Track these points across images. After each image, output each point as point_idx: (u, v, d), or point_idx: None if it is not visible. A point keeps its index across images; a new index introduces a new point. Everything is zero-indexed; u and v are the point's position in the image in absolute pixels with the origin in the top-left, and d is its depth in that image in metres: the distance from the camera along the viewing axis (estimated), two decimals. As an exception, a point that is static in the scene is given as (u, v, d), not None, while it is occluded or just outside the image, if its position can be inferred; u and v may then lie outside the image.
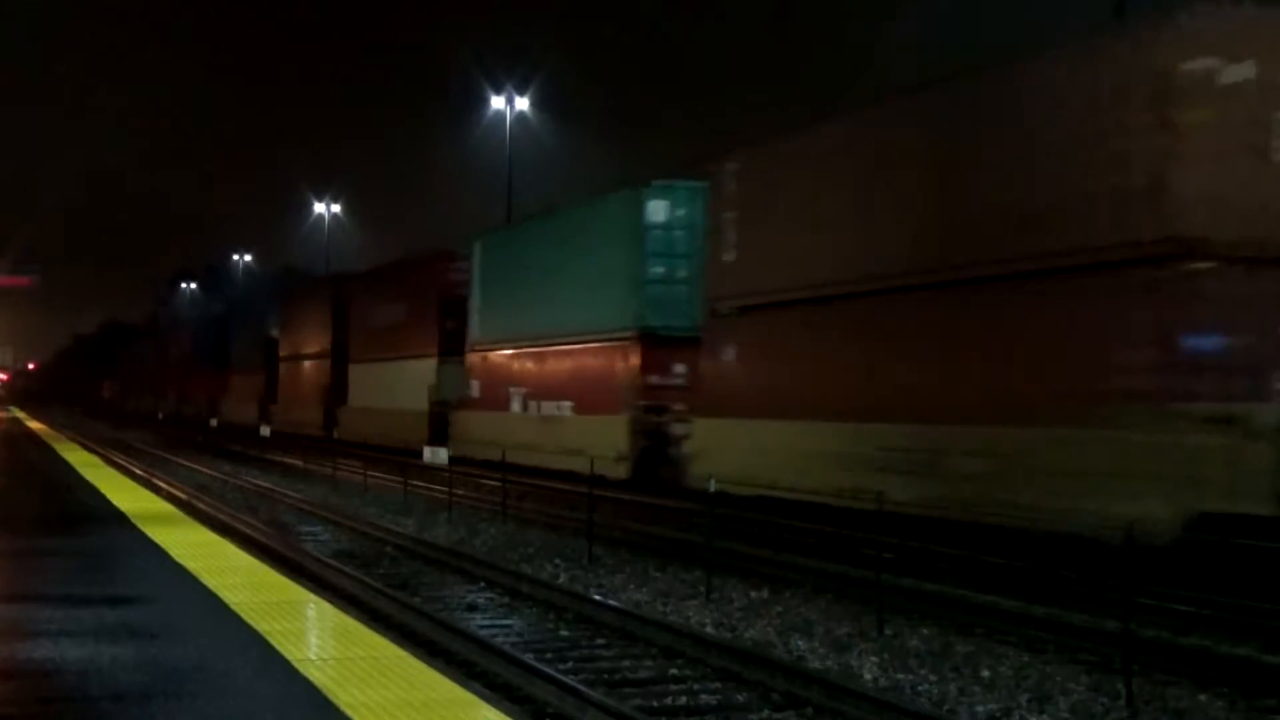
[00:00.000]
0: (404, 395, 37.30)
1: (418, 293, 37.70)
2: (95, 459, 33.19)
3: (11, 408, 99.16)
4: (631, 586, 14.50)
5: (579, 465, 23.23)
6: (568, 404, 26.84)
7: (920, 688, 9.76)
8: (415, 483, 26.56)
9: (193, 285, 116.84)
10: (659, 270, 24.45)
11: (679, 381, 23.61)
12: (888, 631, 11.80)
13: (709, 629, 11.91)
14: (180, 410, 78.17)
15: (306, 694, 7.05)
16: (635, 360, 24.29)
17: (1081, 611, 12.30)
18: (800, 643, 11.37)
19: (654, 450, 23.53)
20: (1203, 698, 9.50)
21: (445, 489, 23.40)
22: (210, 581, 11.01)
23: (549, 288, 28.51)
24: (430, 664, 8.02)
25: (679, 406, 23.05)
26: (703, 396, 21.30)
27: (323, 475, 31.38)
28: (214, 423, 65.68)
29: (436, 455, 31.34)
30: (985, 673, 10.22)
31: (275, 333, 56.51)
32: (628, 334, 24.51)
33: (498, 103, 49.99)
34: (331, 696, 6.95)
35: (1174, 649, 10.74)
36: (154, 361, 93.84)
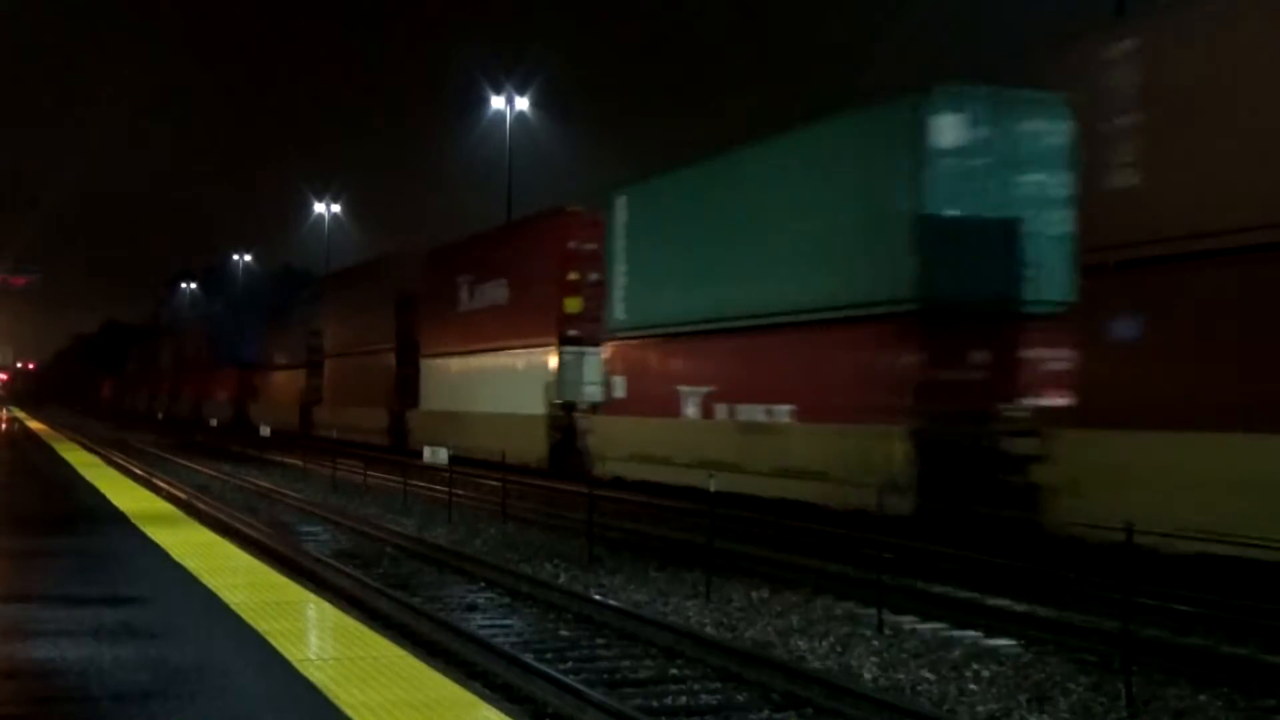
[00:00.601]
0: (506, 396, 30.18)
1: (524, 267, 30.36)
2: (95, 459, 33.19)
3: (11, 408, 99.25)
4: (631, 586, 14.50)
5: (810, 493, 17.55)
6: (785, 408, 19.22)
7: (920, 688, 9.76)
8: (415, 483, 26.55)
9: (193, 285, 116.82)
10: (951, 215, 16.92)
11: (979, 375, 16.89)
12: (887, 631, 11.81)
13: (709, 629, 11.91)
14: (199, 414, 71.64)
15: (306, 694, 7.06)
16: (916, 346, 16.96)
17: (1081, 611, 12.30)
18: (800, 643, 11.37)
19: (961, 476, 16.14)
20: (1203, 698, 9.50)
21: (445, 489, 23.40)
22: (210, 581, 11.02)
23: (745, 249, 20.76)
24: (430, 664, 8.03)
25: (1017, 412, 16.35)
26: (1075, 396, 14.17)
27: (323, 475, 31.37)
28: (214, 422, 65.46)
29: (436, 455, 27.83)
30: (985, 673, 10.22)
31: (319, 324, 49.25)
32: (900, 308, 17.06)
33: (498, 103, 50.04)
34: (331, 696, 6.96)
35: (1174, 649, 10.74)
36: (162, 361, 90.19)
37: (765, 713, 9.10)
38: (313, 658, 8.04)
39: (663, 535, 18.93)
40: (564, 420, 27.55)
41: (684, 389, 22.03)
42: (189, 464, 36.16)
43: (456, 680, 7.59)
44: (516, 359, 30.15)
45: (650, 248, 23.75)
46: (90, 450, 38.63)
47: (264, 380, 59.76)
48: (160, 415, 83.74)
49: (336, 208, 79.72)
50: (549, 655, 10.73)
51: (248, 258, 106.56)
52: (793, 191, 19.66)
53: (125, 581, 11.05)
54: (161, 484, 26.58)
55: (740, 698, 9.48)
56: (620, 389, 24.46)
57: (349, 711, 6.65)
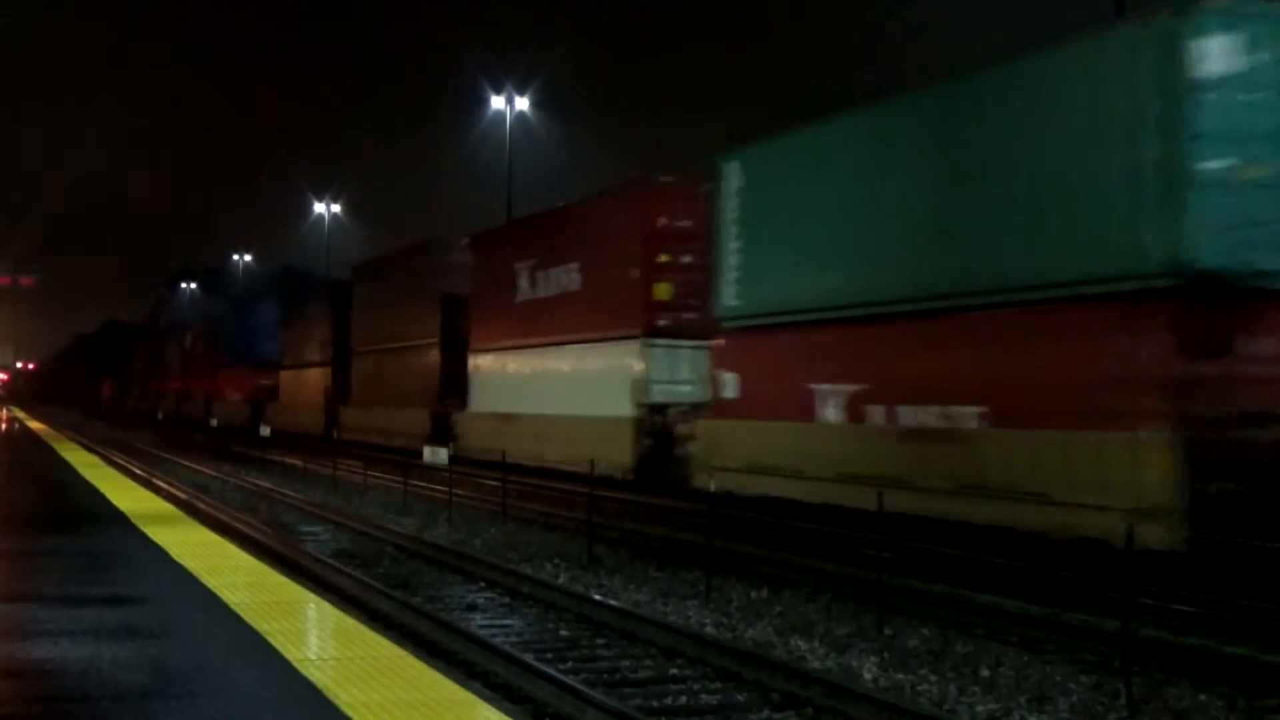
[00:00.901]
0: (580, 397, 26.09)
1: (601, 248, 26.09)
2: (95, 459, 33.20)
3: (12, 408, 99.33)
4: (631, 586, 14.50)
5: (1014, 516, 14.20)
6: (972, 410, 15.39)
7: (920, 688, 9.77)
8: (415, 483, 26.55)
9: (193, 285, 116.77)
10: (1219, 164, 13.27)
11: (1264, 369, 13.20)
12: (888, 631, 11.81)
13: (709, 629, 11.91)
14: (209, 415, 67.23)
15: (306, 694, 7.06)
16: (1176, 331, 13.28)
17: (1081, 611, 12.30)
18: (800, 643, 11.37)
19: (1258, 502, 12.59)
20: (1203, 698, 9.50)
21: (445, 489, 23.40)
22: (210, 581, 11.02)
23: (914, 217, 16.73)
24: (430, 664, 8.03)
25: None
26: None
27: (322, 475, 31.35)
28: (214, 422, 65.29)
29: (436, 455, 27.67)
30: (985, 673, 10.23)
31: (348, 318, 45.08)
32: (1150, 284, 13.45)
33: (498, 103, 50.07)
34: (331, 696, 6.95)
35: (1174, 649, 10.74)
36: (168, 360, 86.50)
37: (765, 713, 9.10)
38: (313, 658, 8.03)
39: (662, 535, 18.93)
40: (656, 424, 23.52)
41: (821, 387, 18.04)
42: (189, 464, 36.16)
43: (456, 680, 7.58)
44: (593, 354, 26.04)
45: (774, 220, 19.46)
46: (90, 450, 38.64)
47: (282, 379, 55.64)
48: (160, 416, 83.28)
49: (336, 207, 79.79)
50: (549, 655, 10.73)
51: (248, 257, 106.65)
52: (989, 143, 15.73)
53: (125, 581, 11.05)
54: (161, 484, 26.57)
55: (740, 698, 9.48)
56: (732, 388, 20.41)
57: (349, 711, 6.65)
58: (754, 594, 13.90)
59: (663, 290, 24.14)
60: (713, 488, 17.70)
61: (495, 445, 27.29)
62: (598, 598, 13.23)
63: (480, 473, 27.22)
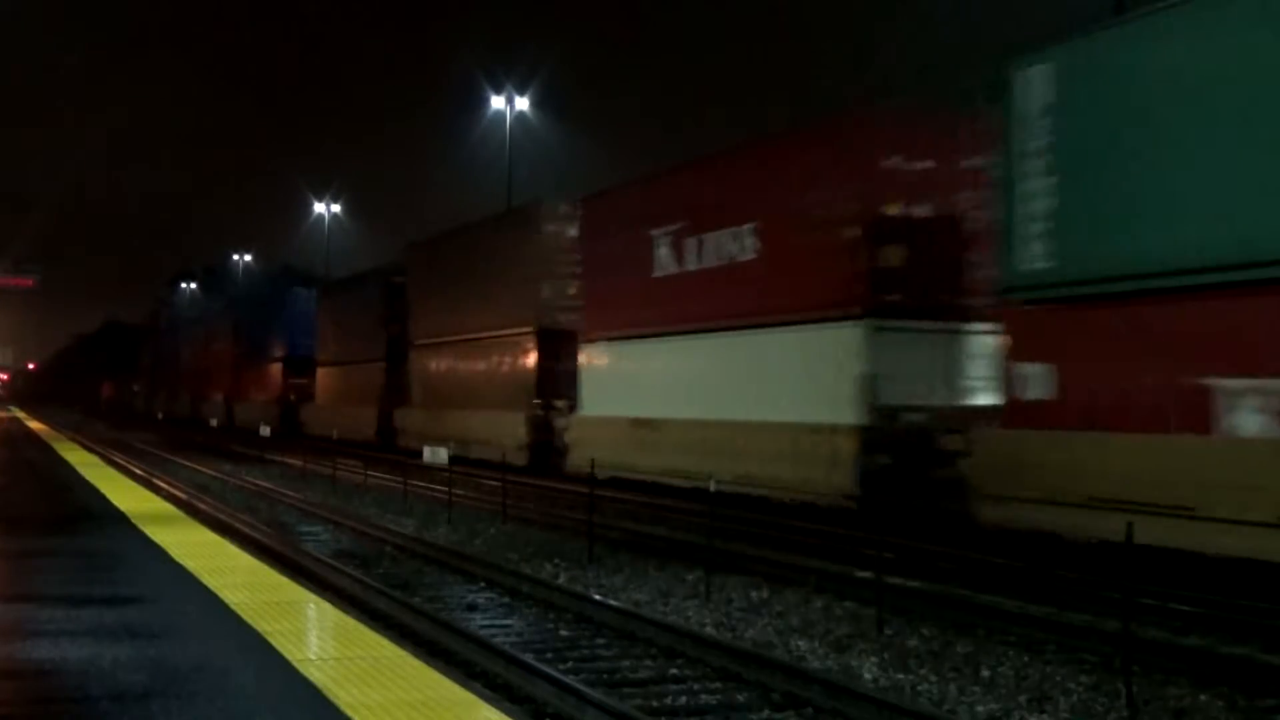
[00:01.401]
0: (763, 399, 20.23)
1: (791, 203, 19.84)
2: (95, 459, 33.21)
3: (11, 407, 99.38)
4: (631, 586, 14.50)
5: None
6: None
7: (920, 688, 9.76)
8: (415, 483, 26.54)
9: (193, 285, 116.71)
10: None
11: None
12: (888, 631, 11.80)
13: (709, 629, 11.90)
14: (230, 418, 62.32)
15: (306, 694, 7.06)
16: None
17: (1081, 611, 12.30)
18: (800, 643, 11.37)
19: None
20: (1203, 697, 9.50)
21: (445, 489, 23.39)
22: (210, 581, 11.02)
23: None
24: (430, 664, 8.03)
25: None
26: None
27: (322, 475, 31.34)
28: (214, 422, 65.23)
29: (436, 455, 27.20)
30: (985, 673, 10.22)
31: (402, 307, 39.23)
32: None
33: (498, 103, 50.11)
34: (331, 696, 6.95)
35: (1174, 649, 10.73)
36: (182, 358, 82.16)
37: (765, 713, 9.10)
38: (313, 658, 8.04)
39: (663, 535, 18.92)
40: (886, 434, 17.79)
41: (1230, 384, 12.55)
42: (189, 464, 36.15)
43: (456, 680, 7.59)
44: (785, 341, 19.90)
45: (1131, 138, 13.74)
46: (91, 450, 38.65)
47: (319, 378, 49.93)
48: (160, 416, 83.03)
49: (336, 207, 79.81)
50: (549, 655, 10.73)
51: (248, 258, 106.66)
52: None
53: (125, 581, 11.05)
54: (161, 484, 26.58)
55: (740, 698, 9.47)
56: (1041, 385, 14.85)
57: (348, 711, 6.65)
58: (754, 594, 13.90)
59: (893, 255, 18.13)
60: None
61: (631, 460, 22.87)
62: (598, 598, 13.23)
63: (480, 472, 27.12)
